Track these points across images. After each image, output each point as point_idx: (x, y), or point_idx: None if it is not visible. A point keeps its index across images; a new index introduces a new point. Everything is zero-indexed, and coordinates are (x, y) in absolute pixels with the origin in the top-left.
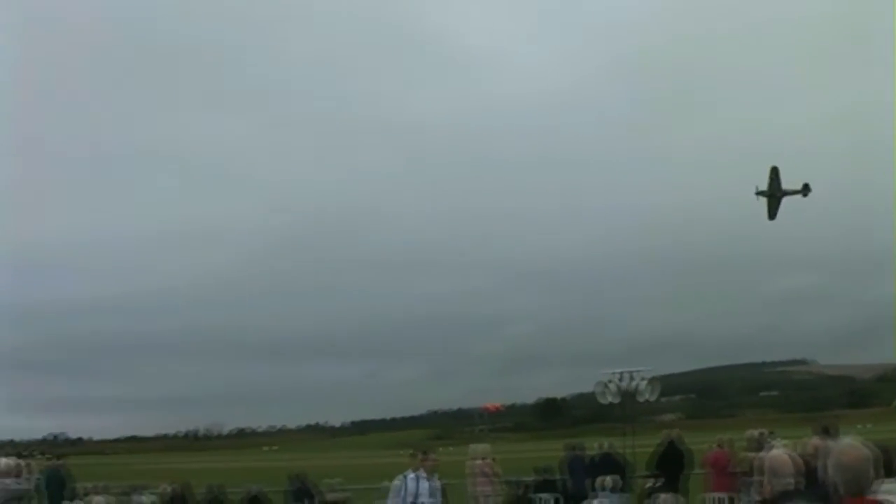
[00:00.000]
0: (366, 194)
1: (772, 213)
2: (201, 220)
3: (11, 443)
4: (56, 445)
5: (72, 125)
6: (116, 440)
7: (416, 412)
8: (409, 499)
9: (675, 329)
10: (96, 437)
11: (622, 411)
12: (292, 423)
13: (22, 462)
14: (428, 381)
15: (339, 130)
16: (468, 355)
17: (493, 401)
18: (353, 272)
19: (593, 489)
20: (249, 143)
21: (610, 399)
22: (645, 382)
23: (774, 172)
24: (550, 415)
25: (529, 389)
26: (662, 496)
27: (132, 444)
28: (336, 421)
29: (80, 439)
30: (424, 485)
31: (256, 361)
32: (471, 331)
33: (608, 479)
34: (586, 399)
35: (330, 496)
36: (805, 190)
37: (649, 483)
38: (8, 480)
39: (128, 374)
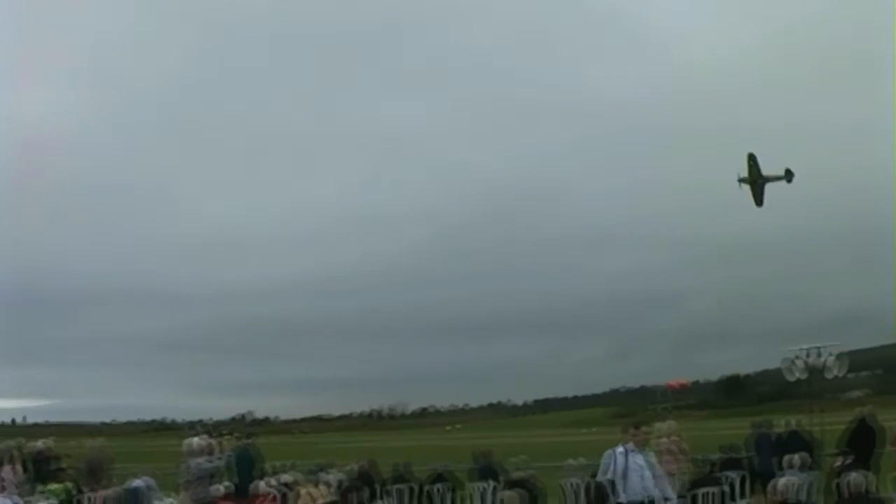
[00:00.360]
0: (546, 171)
1: (757, 200)
2: (385, 201)
3: (201, 423)
4: (244, 425)
5: (258, 106)
6: (302, 419)
7: (598, 390)
8: (619, 473)
9: (863, 304)
10: (282, 416)
11: (809, 388)
12: (475, 402)
13: (213, 441)
14: (610, 358)
15: (518, 107)
16: (651, 332)
17: (676, 378)
18: (535, 249)
19: (780, 467)
20: (432, 122)
21: (797, 375)
22: (833, 358)
23: (752, 159)
24: (734, 392)
25: (712, 366)
26: (853, 474)
27: (317, 424)
28: (518, 399)
29: (266, 419)
30: (636, 458)
31: (439, 340)
32: (654, 307)
33: (796, 457)
34: (770, 376)
35: (515, 474)
36: (788, 176)
37: (839, 461)
38: (200, 459)
39: (313, 354)
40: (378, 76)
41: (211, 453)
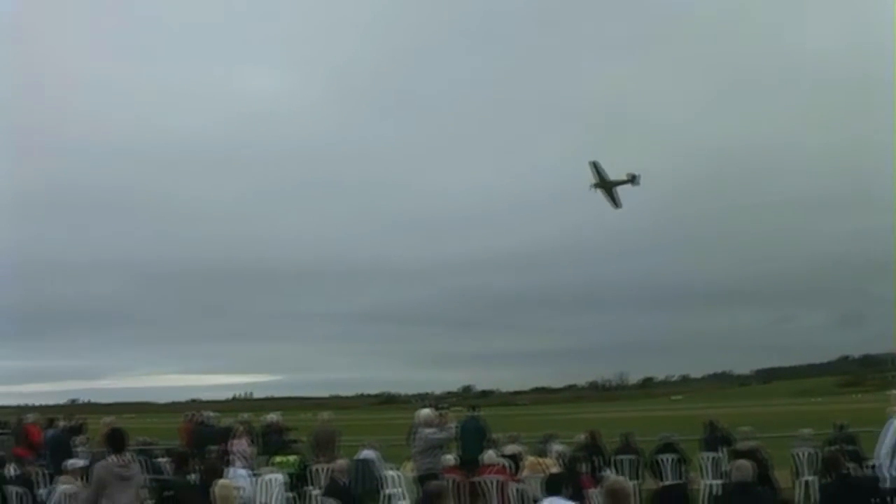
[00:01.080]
0: (769, 135)
1: (613, 202)
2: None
3: (427, 395)
4: (467, 397)
5: (464, 79)
6: (525, 391)
7: (824, 358)
8: (889, 446)
9: None
10: (505, 388)
11: None
12: (697, 372)
13: (440, 413)
14: (838, 326)
15: (736, 70)
16: (881, 297)
17: None
18: (759, 216)
19: None
20: (648, 87)
21: None
22: None
23: (595, 167)
24: None
25: None
26: None
27: (540, 395)
28: (741, 369)
29: (490, 391)
30: None
31: (661, 310)
32: (884, 271)
33: None
34: None
35: (742, 444)
36: (632, 179)
37: None
38: (429, 430)
39: (535, 326)
40: (591, 44)
41: (439, 425)
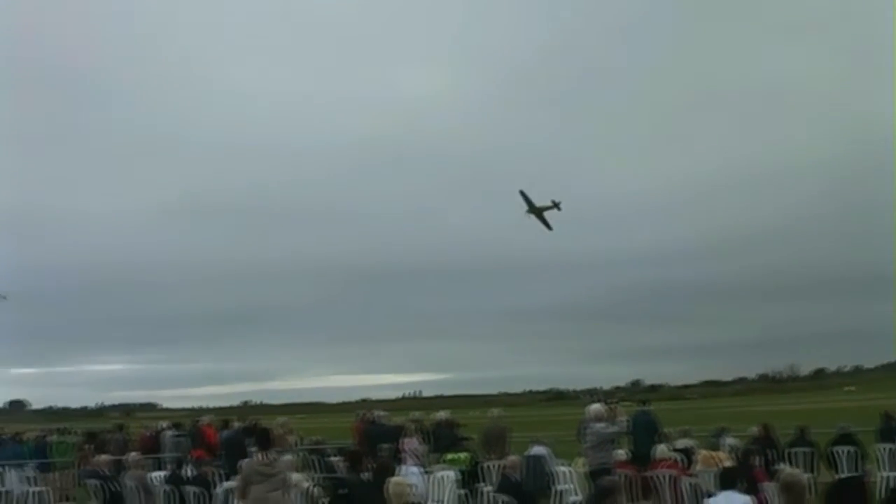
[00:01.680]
0: None
1: (546, 225)
2: (769, 157)
3: (596, 390)
4: (636, 392)
5: (621, 69)
6: (694, 385)
7: None
8: None
9: None
10: (673, 382)
11: None
12: (870, 362)
13: (609, 408)
14: None
15: None
16: None
17: None
18: None
19: None
20: (814, 74)
21: None
22: None
23: (523, 195)
24: None
25: None
26: None
27: (709, 389)
28: None
29: (658, 385)
30: None
31: (832, 299)
32: None
33: None
34: None
35: None
36: (556, 205)
37: None
38: (599, 425)
39: (702, 318)
40: (757, 29)
41: (609, 419)
